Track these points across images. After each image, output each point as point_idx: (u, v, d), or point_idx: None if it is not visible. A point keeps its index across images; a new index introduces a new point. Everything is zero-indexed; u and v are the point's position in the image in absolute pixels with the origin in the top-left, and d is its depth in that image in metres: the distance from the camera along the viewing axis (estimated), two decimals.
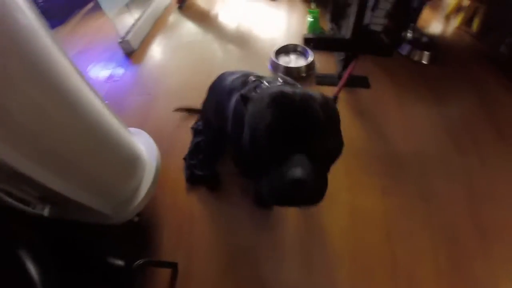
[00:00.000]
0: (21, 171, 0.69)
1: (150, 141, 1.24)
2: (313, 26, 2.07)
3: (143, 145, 1.20)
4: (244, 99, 0.66)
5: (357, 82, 1.63)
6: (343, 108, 1.50)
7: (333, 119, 0.62)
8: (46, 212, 0.87)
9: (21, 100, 0.67)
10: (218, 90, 1.00)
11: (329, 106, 0.59)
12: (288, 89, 0.60)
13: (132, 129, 1.24)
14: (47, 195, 0.85)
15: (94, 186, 0.93)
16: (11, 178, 0.74)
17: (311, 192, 0.56)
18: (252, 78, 0.82)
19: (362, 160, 1.29)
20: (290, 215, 1.14)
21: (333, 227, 1.09)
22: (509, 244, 1.04)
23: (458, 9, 2.25)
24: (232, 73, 1.00)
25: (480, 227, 1.08)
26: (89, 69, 2.08)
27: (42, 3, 2.87)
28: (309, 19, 2.07)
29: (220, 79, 1.04)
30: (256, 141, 0.59)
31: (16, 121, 0.67)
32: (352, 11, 1.42)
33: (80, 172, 0.87)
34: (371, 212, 1.13)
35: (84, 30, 2.64)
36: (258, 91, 0.71)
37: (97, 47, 2.32)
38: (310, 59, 1.77)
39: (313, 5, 2.14)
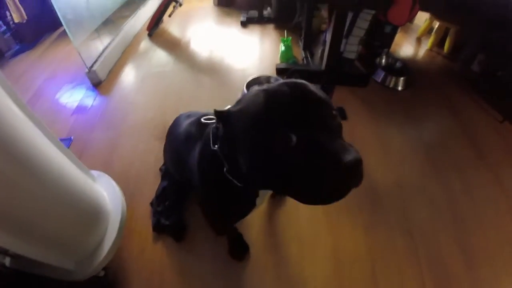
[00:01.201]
0: None
1: (115, 186, 1.11)
2: (285, 55, 2.00)
3: (107, 191, 1.08)
4: (222, 119, 0.53)
5: None
6: None
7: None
8: (7, 262, 0.81)
9: None
10: (174, 137, 0.90)
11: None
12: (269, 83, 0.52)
13: (95, 172, 1.12)
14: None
15: (52, 243, 0.83)
16: None
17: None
18: (203, 119, 0.72)
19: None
20: (268, 266, 1.03)
21: (316, 278, 0.99)
22: (496, 267, 1.00)
23: (429, 31, 2.27)
24: (188, 115, 0.91)
25: (467, 252, 1.03)
26: (56, 98, 1.95)
27: (14, 26, 2.79)
28: (282, 47, 2.01)
29: (175, 124, 0.95)
30: (268, 150, 0.45)
31: None
32: (327, 41, 1.38)
33: (35, 230, 0.77)
34: (355, 253, 1.04)
35: (53, 56, 2.53)
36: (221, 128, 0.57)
37: (64, 75, 2.19)
38: None
39: (286, 33, 2.11)
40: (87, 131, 1.64)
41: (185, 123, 0.85)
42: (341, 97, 1.67)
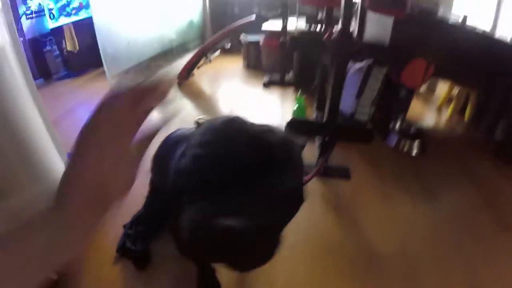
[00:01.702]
0: None
1: None
2: (298, 112, 2.04)
3: None
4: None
5: (336, 173, 1.49)
6: (315, 200, 1.34)
7: (294, 160, 0.50)
8: None
9: None
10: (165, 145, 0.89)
11: (290, 145, 0.50)
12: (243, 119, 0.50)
13: None
14: None
15: None
16: None
17: (247, 249, 0.41)
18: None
19: (332, 259, 1.08)
20: None
21: None
22: None
23: (449, 100, 2.22)
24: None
25: None
26: (82, 118, 2.11)
27: (66, 53, 3.17)
28: (296, 105, 2.05)
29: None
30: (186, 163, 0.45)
31: None
32: (328, 92, 1.39)
33: None
34: None
35: (92, 86, 2.82)
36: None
37: (96, 102, 2.39)
38: None
39: (299, 92, 2.18)
40: None
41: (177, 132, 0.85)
42: (347, 157, 1.61)
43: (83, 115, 2.27)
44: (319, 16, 2.16)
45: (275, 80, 2.67)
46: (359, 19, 1.47)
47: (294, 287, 1.00)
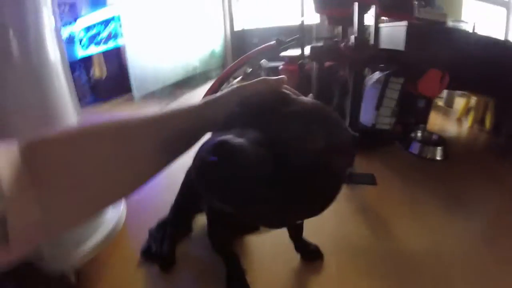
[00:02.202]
0: None
1: (121, 203, 1.20)
2: None
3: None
4: None
5: (361, 179, 1.50)
6: (341, 204, 1.33)
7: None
8: None
9: None
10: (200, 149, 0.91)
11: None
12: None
13: None
14: None
15: None
16: None
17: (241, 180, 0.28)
18: None
19: (362, 261, 1.04)
20: None
21: None
22: None
23: (468, 110, 2.23)
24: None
25: None
26: None
27: (93, 81, 3.38)
28: None
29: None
30: None
31: None
32: (347, 106, 1.43)
33: None
34: None
35: (118, 111, 2.94)
36: None
37: None
38: None
39: None
40: None
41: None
42: (372, 166, 1.62)
43: None
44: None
45: None
46: (374, 27, 1.54)
47: (329, 286, 0.97)
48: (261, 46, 2.07)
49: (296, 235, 1.02)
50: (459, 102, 2.43)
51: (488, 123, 2.03)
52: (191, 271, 1.05)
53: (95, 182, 0.32)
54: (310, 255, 1.04)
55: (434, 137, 1.83)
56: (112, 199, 0.36)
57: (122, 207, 1.19)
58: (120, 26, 3.12)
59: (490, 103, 2.00)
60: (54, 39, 0.95)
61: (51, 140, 0.31)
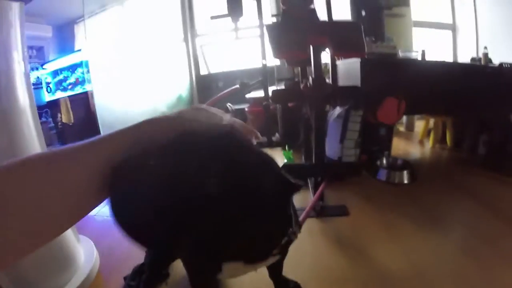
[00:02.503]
0: None
1: (94, 251, 1.21)
2: None
3: (85, 251, 1.20)
4: None
5: (333, 211, 1.51)
6: (316, 238, 1.34)
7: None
8: None
9: None
10: None
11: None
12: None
13: (82, 237, 1.27)
14: None
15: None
16: None
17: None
18: None
19: None
20: None
21: None
22: None
23: (428, 131, 2.37)
24: None
25: None
26: None
27: (61, 127, 3.27)
28: (284, 160, 2.15)
29: None
30: None
31: None
32: (313, 138, 1.48)
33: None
34: None
35: None
36: None
37: None
38: None
39: (286, 147, 2.27)
40: (91, 214, 1.71)
41: None
42: (342, 196, 1.65)
43: None
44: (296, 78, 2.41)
45: (263, 143, 2.77)
46: (331, 65, 1.65)
47: None
48: (226, 90, 2.14)
49: (275, 272, 1.00)
50: (419, 125, 2.58)
51: (449, 140, 2.17)
52: None
53: (30, 213, 0.31)
54: None
55: (399, 162, 1.92)
56: (50, 233, 0.35)
57: (95, 254, 1.17)
58: (88, 71, 3.12)
59: (448, 122, 2.15)
60: (24, 84, 0.94)
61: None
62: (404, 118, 2.77)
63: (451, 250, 1.18)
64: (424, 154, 2.25)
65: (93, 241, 1.29)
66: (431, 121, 2.34)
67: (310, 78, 1.40)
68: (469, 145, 1.99)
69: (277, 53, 1.50)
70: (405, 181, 1.77)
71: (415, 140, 2.52)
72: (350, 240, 1.32)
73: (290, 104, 2.20)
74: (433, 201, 1.54)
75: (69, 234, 1.11)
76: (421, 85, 1.79)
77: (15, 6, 0.92)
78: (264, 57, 2.40)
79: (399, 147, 2.28)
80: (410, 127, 2.76)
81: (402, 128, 2.81)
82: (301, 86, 1.39)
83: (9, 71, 0.88)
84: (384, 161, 1.95)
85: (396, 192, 1.69)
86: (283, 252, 0.77)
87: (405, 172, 1.78)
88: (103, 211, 1.76)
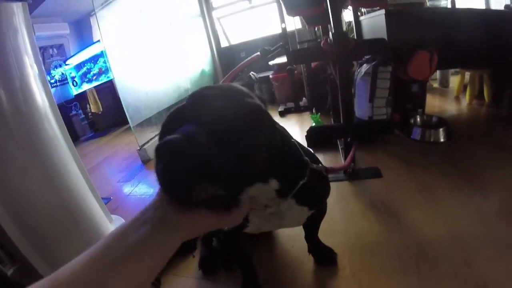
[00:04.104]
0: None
1: None
2: None
3: None
4: None
5: (366, 173, 1.44)
6: (349, 201, 1.29)
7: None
8: (10, 272, 0.91)
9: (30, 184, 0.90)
10: None
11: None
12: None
13: (114, 216, 1.33)
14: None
15: (48, 250, 0.94)
16: None
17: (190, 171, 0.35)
18: None
19: (376, 258, 0.98)
20: None
21: None
22: None
23: (464, 87, 2.18)
24: None
25: None
26: (109, 170, 2.42)
27: (91, 117, 3.43)
28: (312, 123, 2.10)
29: None
30: None
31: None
32: (340, 97, 1.39)
33: (46, 240, 0.94)
34: None
35: (117, 142, 3.00)
36: None
37: (121, 155, 2.56)
38: None
39: (314, 110, 2.21)
40: (124, 194, 1.86)
41: None
42: (375, 158, 1.57)
43: (109, 166, 2.47)
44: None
45: (290, 108, 2.74)
46: (354, 22, 1.53)
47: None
48: (246, 59, 2.07)
49: (310, 234, 0.98)
50: (454, 81, 2.38)
51: (487, 96, 1.98)
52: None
53: None
54: (324, 260, 0.99)
55: (434, 119, 1.78)
56: None
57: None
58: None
59: (485, 76, 1.95)
60: (40, 85, 0.97)
61: None
62: (438, 73, 2.55)
63: (490, 214, 1.08)
64: (461, 111, 2.08)
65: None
66: (467, 76, 2.14)
67: (331, 34, 1.29)
68: (509, 101, 1.79)
69: (290, 11, 1.40)
70: (441, 140, 1.65)
71: (451, 96, 2.33)
72: (384, 204, 1.26)
73: (313, 65, 2.09)
74: (471, 161, 1.42)
75: (101, 215, 1.16)
76: (453, 36, 1.62)
77: (18, 9, 0.91)
78: (283, 21, 2.29)
79: (434, 104, 2.12)
80: (444, 83, 2.54)
81: (435, 85, 2.60)
82: (322, 43, 1.28)
83: (23, 75, 0.90)
84: (418, 119, 1.81)
85: (432, 152, 1.57)
86: (316, 198, 0.73)
87: (440, 130, 1.65)
88: (136, 190, 1.84)
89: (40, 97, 0.96)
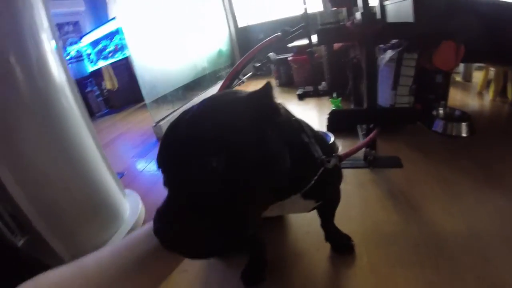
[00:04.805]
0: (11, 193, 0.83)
1: (139, 203, 1.28)
2: None
3: (131, 205, 1.26)
4: None
5: (386, 162, 1.40)
6: (367, 189, 1.26)
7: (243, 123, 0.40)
8: (20, 243, 0.92)
9: (44, 156, 0.90)
10: None
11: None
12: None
13: (128, 191, 1.34)
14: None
15: (65, 227, 0.95)
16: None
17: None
18: None
19: (393, 249, 0.95)
20: None
21: None
22: None
23: (488, 83, 2.09)
24: None
25: None
26: (123, 146, 2.41)
27: (106, 93, 3.43)
28: (332, 107, 2.04)
29: None
30: None
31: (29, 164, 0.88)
32: (363, 88, 1.33)
33: (58, 211, 0.94)
34: None
35: (132, 119, 3.01)
36: None
37: (136, 131, 2.58)
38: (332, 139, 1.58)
39: (335, 94, 2.14)
40: (138, 170, 1.86)
41: None
42: (395, 148, 1.53)
43: (123, 142, 2.47)
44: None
45: (309, 92, 2.67)
46: (379, 5, 1.44)
47: (359, 281, 0.88)
48: (267, 39, 2.00)
49: (326, 222, 0.95)
50: (478, 76, 2.28)
51: (510, 94, 1.88)
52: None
53: None
54: (341, 248, 0.97)
55: (457, 112, 1.71)
56: None
57: (140, 207, 1.23)
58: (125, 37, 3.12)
59: (510, 73, 1.85)
60: (57, 61, 0.96)
61: None
62: (462, 66, 2.44)
63: (509, 214, 1.03)
64: (483, 107, 1.99)
65: (140, 196, 1.35)
66: (492, 72, 2.04)
67: (358, 14, 1.22)
68: None
69: None
70: (463, 134, 1.58)
71: (473, 91, 2.23)
72: (403, 194, 1.22)
73: (335, 47, 2.00)
74: (493, 158, 1.36)
75: (115, 189, 1.16)
76: (481, 28, 1.51)
77: None
78: (304, 2, 2.20)
79: (456, 97, 2.04)
80: (467, 77, 2.43)
81: (458, 78, 2.49)
82: (349, 23, 1.21)
83: (40, 51, 0.90)
84: (441, 112, 1.73)
85: (453, 146, 1.52)
86: (327, 191, 0.69)
87: (463, 124, 1.59)
88: (150, 167, 1.83)
89: (57, 72, 0.96)
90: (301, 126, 0.58)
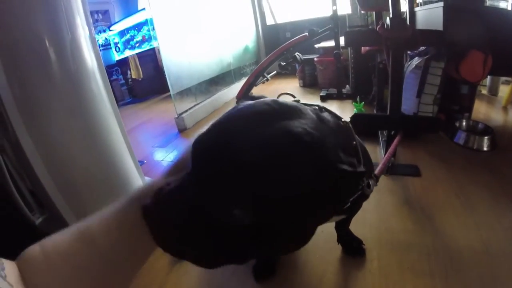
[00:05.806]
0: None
1: None
2: None
3: None
4: None
5: (404, 170, 1.39)
6: (383, 196, 1.26)
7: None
8: (38, 221, 0.93)
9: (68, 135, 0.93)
10: None
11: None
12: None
13: (147, 179, 1.36)
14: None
15: (79, 202, 0.97)
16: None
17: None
18: None
19: (405, 256, 0.96)
20: None
21: None
22: None
23: None
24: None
25: None
26: (145, 135, 2.44)
27: (131, 83, 3.51)
28: (355, 111, 2.03)
29: None
30: None
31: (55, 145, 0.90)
32: (390, 86, 1.31)
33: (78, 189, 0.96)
34: None
35: (154, 109, 3.05)
36: None
37: (158, 121, 2.62)
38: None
39: (358, 99, 2.12)
40: (158, 159, 1.89)
41: None
42: (415, 156, 1.52)
43: (144, 131, 2.51)
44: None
45: (332, 94, 2.65)
46: (409, 11, 1.41)
47: (367, 284, 0.89)
48: (294, 38, 1.98)
49: (341, 226, 0.95)
50: (504, 90, 2.21)
51: None
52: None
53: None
54: (353, 251, 0.97)
55: (480, 126, 1.67)
56: None
57: None
58: (153, 29, 3.17)
59: None
60: (90, 46, 0.99)
61: (44, 256, 0.37)
62: (488, 80, 2.35)
63: None
64: (507, 122, 1.93)
65: None
66: None
67: (388, 19, 1.20)
68: None
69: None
70: (485, 148, 1.55)
71: (498, 105, 2.16)
72: (418, 204, 1.21)
73: (363, 50, 1.97)
74: None
75: (136, 175, 1.19)
76: (510, 40, 1.44)
77: None
78: (334, 3, 2.17)
79: (480, 110, 1.98)
80: (493, 91, 2.35)
81: (484, 91, 2.41)
82: (378, 27, 1.19)
83: (74, 35, 0.91)
84: (464, 123, 1.69)
85: (474, 159, 1.49)
86: (353, 208, 0.68)
87: (485, 138, 1.55)
88: (169, 157, 1.86)
89: (90, 58, 0.98)
90: (352, 135, 0.50)
